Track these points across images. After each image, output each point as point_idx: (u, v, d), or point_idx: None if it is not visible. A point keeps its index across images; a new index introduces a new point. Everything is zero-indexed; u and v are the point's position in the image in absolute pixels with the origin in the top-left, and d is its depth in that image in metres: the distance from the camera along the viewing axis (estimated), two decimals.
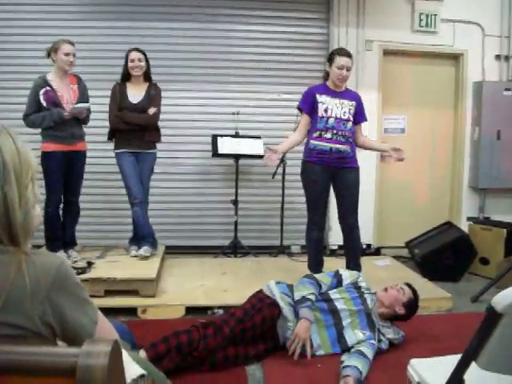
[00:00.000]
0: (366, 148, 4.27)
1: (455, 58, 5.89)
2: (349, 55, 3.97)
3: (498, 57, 5.86)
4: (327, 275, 3.28)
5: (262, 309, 3.01)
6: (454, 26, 5.74)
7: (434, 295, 4.11)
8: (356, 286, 3.23)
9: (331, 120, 3.89)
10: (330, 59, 3.99)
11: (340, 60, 3.91)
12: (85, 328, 1.25)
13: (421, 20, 5.68)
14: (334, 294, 3.15)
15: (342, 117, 3.90)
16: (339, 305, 3.10)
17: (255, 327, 2.95)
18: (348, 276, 3.28)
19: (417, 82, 5.88)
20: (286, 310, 3.04)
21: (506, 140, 5.69)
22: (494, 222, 5.52)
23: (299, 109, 4.12)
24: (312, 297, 3.00)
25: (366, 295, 3.19)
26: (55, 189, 4.20)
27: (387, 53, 5.71)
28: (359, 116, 4.04)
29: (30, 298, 1.16)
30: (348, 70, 3.91)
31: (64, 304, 1.21)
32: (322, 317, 3.06)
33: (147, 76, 4.46)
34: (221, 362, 2.85)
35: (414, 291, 3.26)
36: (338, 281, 3.23)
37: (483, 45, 5.82)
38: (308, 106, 3.98)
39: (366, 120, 4.15)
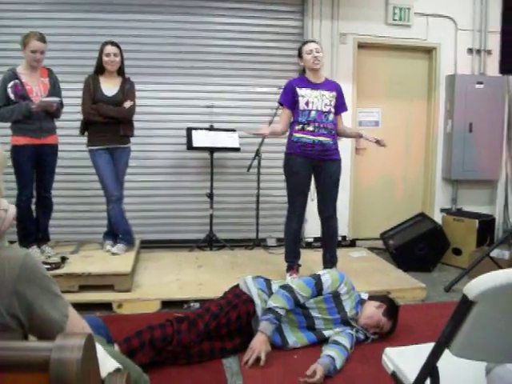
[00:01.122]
0: (345, 135, 4.30)
1: (428, 51, 5.96)
2: (314, 41, 4.08)
3: (470, 50, 5.94)
4: (307, 285, 3.07)
5: (237, 305, 3.01)
6: (427, 20, 5.79)
7: (408, 285, 4.17)
8: (335, 294, 3.12)
9: (313, 113, 3.89)
10: (300, 53, 4.03)
11: (308, 46, 3.99)
12: (55, 322, 1.24)
13: (394, 13, 5.72)
14: (309, 304, 3.09)
15: (323, 109, 3.91)
16: (314, 313, 3.09)
17: (230, 323, 2.95)
18: (330, 284, 3.11)
19: (391, 75, 5.93)
20: (260, 308, 3.03)
21: (478, 132, 5.78)
22: (466, 213, 5.62)
23: (280, 103, 4.11)
24: (280, 311, 2.92)
25: (344, 303, 3.13)
26: (26, 183, 4.12)
27: (361, 46, 5.74)
28: (340, 106, 4.05)
29: None
30: (318, 51, 3.93)
31: (32, 297, 1.20)
32: (296, 318, 3.07)
33: (120, 70, 4.40)
34: (196, 356, 2.84)
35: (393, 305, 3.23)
36: (318, 290, 3.08)
37: (456, 38, 5.89)
38: (288, 100, 3.98)
39: (346, 110, 4.17)
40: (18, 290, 1.17)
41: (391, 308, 3.18)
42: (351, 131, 4.38)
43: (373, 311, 3.15)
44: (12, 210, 1.31)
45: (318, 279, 3.12)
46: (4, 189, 1.28)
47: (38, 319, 1.21)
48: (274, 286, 3.19)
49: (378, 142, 4.08)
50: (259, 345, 2.85)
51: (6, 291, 1.16)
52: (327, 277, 3.14)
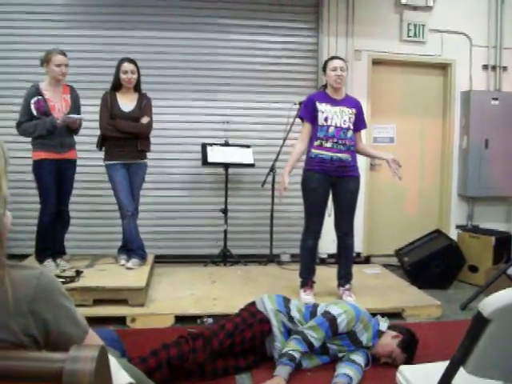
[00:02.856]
0: (364, 154, 4.27)
1: (443, 67, 5.95)
2: (340, 58, 4.05)
3: (485, 67, 5.92)
4: (322, 328, 2.93)
5: (253, 324, 2.97)
6: (441, 36, 5.79)
7: (423, 303, 4.12)
8: (351, 333, 3.01)
9: (331, 129, 3.88)
10: (324, 67, 4.04)
11: (332, 62, 3.97)
12: (73, 339, 1.23)
13: (409, 30, 5.73)
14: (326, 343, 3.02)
15: (343, 125, 3.90)
16: (328, 345, 3.02)
17: (244, 342, 2.93)
18: (345, 325, 2.96)
19: (405, 91, 5.92)
20: (277, 330, 3.01)
21: (494, 149, 5.74)
22: (482, 229, 5.56)
23: (301, 118, 4.11)
24: (295, 353, 2.85)
25: (361, 338, 3.02)
26: (48, 198, 4.16)
27: (376, 62, 5.75)
28: (359, 123, 4.03)
29: (11, 312, 1.13)
30: (342, 70, 3.92)
31: (48, 315, 1.19)
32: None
33: (137, 86, 4.45)
34: (210, 374, 2.81)
35: (412, 336, 3.10)
36: (333, 331, 2.96)
37: (471, 55, 5.88)
38: (309, 114, 3.97)
39: (365, 127, 4.17)
40: (33, 310, 1.17)
41: (408, 341, 3.05)
42: (370, 152, 4.28)
43: (387, 341, 3.04)
44: (10, 218, 1.29)
45: (333, 321, 2.96)
46: (9, 194, 1.26)
47: (55, 337, 1.20)
48: (293, 309, 3.13)
49: (395, 172, 3.99)
50: (275, 381, 2.74)
51: (22, 312, 1.15)
52: (343, 317, 2.97)
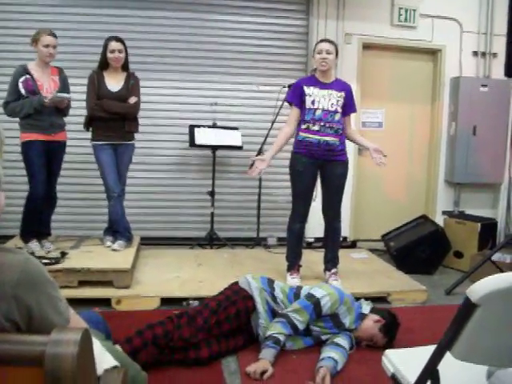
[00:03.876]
0: (350, 140, 4.22)
1: (433, 53, 5.93)
2: (329, 41, 4.00)
3: (475, 53, 5.92)
4: (306, 310, 2.94)
5: (236, 301, 2.99)
6: (432, 22, 5.77)
7: (409, 288, 4.15)
8: (334, 315, 3.02)
9: (318, 112, 3.86)
10: (313, 50, 4.00)
11: (319, 45, 3.94)
12: (55, 326, 1.21)
13: (400, 15, 5.70)
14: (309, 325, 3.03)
15: (330, 108, 3.87)
16: (311, 326, 3.03)
17: (230, 319, 2.93)
18: (329, 307, 2.98)
19: (395, 76, 5.90)
20: (260, 306, 3.02)
21: (482, 136, 5.76)
22: (468, 216, 5.60)
23: (289, 102, 4.08)
24: (279, 336, 2.86)
25: (343, 320, 3.03)
26: (38, 179, 4.10)
27: (366, 46, 5.72)
28: (348, 107, 3.99)
29: None
30: (328, 53, 3.88)
31: (32, 302, 1.17)
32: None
33: (125, 65, 4.39)
34: (205, 359, 2.81)
35: (394, 318, 3.12)
36: (316, 314, 2.97)
37: (461, 41, 5.86)
38: (296, 98, 3.95)
39: (354, 111, 4.13)
40: (17, 295, 1.15)
41: (390, 325, 3.07)
42: (356, 139, 4.20)
43: (369, 325, 3.06)
44: (3, 198, 1.27)
45: (316, 303, 2.97)
46: (3, 175, 1.24)
47: (38, 323, 1.18)
48: (277, 289, 3.15)
49: (378, 162, 3.96)
50: (260, 369, 2.71)
51: (5, 296, 1.13)
52: (326, 300, 2.98)
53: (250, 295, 3.05)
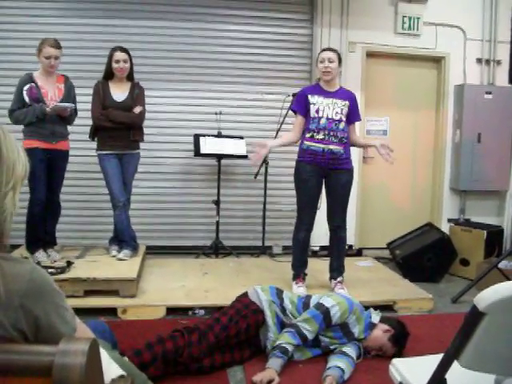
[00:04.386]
0: (356, 146, 4.23)
1: (437, 60, 5.95)
2: (331, 50, 4.02)
3: (479, 60, 5.92)
4: (315, 320, 2.92)
5: (247, 315, 2.96)
6: (436, 29, 5.79)
7: (415, 296, 4.13)
8: (343, 325, 3.00)
9: (323, 120, 3.86)
10: (317, 60, 4.02)
11: (321, 54, 3.96)
12: (62, 336, 1.21)
13: (404, 23, 5.72)
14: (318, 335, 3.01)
15: (334, 117, 3.88)
16: (320, 337, 3.01)
17: (240, 334, 2.91)
18: (338, 317, 2.95)
19: (399, 84, 5.91)
20: (270, 320, 2.99)
21: (487, 143, 5.75)
22: (474, 223, 5.57)
23: (293, 111, 4.10)
24: (287, 346, 2.84)
25: (353, 330, 3.01)
26: (39, 187, 4.11)
27: (370, 54, 5.74)
28: (352, 116, 3.99)
29: (1, 305, 1.11)
30: (331, 61, 3.89)
31: (39, 311, 1.17)
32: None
33: (130, 75, 4.41)
34: (206, 368, 2.79)
35: (403, 327, 3.11)
36: (326, 324, 2.95)
37: (465, 48, 5.88)
38: (301, 107, 3.96)
39: (359, 120, 4.14)
40: (24, 305, 1.14)
41: (399, 335, 3.05)
42: (360, 142, 4.28)
43: (378, 335, 3.04)
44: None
45: (326, 313, 2.94)
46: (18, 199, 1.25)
47: (45, 333, 1.18)
48: (286, 300, 3.12)
49: (386, 157, 3.99)
50: (267, 378, 2.70)
51: (13, 305, 1.13)
52: (336, 309, 2.95)
53: (260, 309, 3.01)
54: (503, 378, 1.56)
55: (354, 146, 4.16)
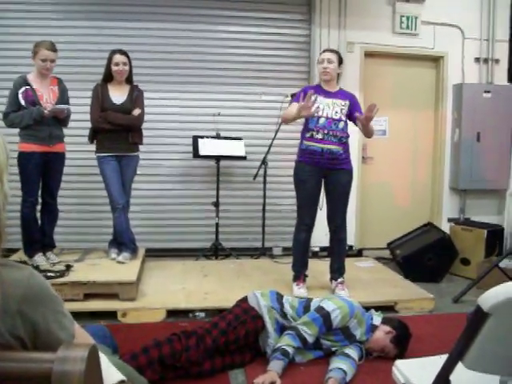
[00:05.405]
0: (360, 126, 3.94)
1: (435, 60, 5.94)
2: (331, 51, 4.03)
3: (477, 59, 5.92)
4: (315, 324, 2.91)
5: (246, 321, 2.93)
6: (434, 29, 5.78)
7: (416, 296, 4.12)
8: (344, 328, 2.98)
9: (322, 120, 3.85)
10: (317, 61, 4.02)
11: (321, 56, 3.97)
12: (61, 343, 1.19)
13: (402, 22, 5.71)
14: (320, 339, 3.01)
15: (334, 117, 3.86)
16: (321, 340, 3.00)
17: (239, 340, 2.89)
18: (339, 321, 2.93)
19: (398, 83, 5.90)
20: (270, 326, 2.97)
21: (486, 142, 5.74)
22: (474, 222, 5.56)
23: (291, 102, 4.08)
24: (288, 348, 2.83)
25: (354, 332, 2.99)
26: (31, 189, 4.11)
27: (368, 54, 5.73)
28: (355, 110, 3.90)
29: None
30: (329, 62, 3.88)
31: (37, 317, 1.15)
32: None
33: (129, 78, 4.40)
34: (206, 372, 2.77)
35: (406, 329, 3.09)
36: (327, 327, 2.93)
37: (463, 47, 5.87)
38: (299, 99, 3.91)
39: (362, 113, 4.09)
40: (21, 311, 1.13)
41: (401, 336, 3.03)
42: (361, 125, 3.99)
43: (380, 336, 3.02)
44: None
45: (327, 317, 2.93)
46: (9, 189, 1.22)
47: (43, 339, 1.16)
48: (286, 305, 3.10)
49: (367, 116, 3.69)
50: (268, 381, 2.68)
51: (10, 311, 1.11)
52: (337, 313, 2.94)
53: (260, 314, 2.99)
54: (508, 379, 1.55)
55: (358, 126, 3.96)
